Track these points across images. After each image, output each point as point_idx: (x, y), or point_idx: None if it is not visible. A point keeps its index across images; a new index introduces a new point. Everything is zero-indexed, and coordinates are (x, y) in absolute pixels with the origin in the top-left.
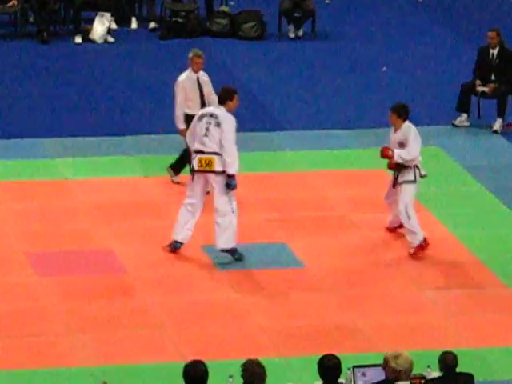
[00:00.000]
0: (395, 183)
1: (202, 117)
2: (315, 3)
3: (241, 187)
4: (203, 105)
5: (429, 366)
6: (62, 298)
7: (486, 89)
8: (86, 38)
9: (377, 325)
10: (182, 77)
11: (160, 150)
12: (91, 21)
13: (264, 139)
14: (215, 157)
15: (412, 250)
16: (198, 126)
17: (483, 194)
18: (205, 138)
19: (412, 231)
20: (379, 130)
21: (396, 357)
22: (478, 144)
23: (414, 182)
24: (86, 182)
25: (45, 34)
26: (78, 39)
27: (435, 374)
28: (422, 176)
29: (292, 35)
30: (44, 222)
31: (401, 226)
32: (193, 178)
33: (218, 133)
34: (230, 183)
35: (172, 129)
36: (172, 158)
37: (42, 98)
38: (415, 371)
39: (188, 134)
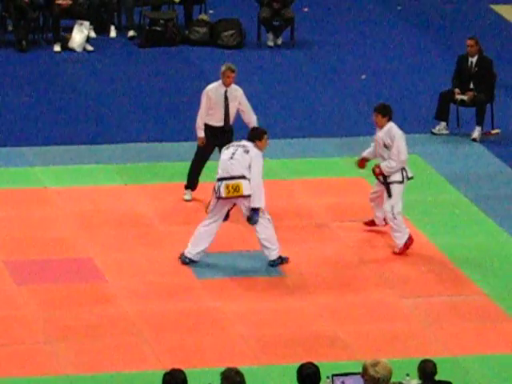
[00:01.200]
0: (382, 183)
1: (229, 147)
2: (294, 11)
3: None
4: (226, 119)
5: (408, 375)
6: (41, 306)
7: (464, 97)
8: (65, 47)
9: (356, 333)
10: (210, 87)
11: (139, 158)
12: (70, 29)
13: None
14: (242, 181)
15: (397, 250)
16: (224, 154)
17: (462, 202)
18: (231, 161)
19: (397, 230)
20: (358, 138)
21: (375, 364)
22: (457, 152)
23: (401, 182)
24: (65, 191)
25: (24, 43)
26: (57, 48)
27: (414, 382)
28: (409, 178)
29: (271, 43)
30: (23, 230)
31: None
32: (216, 204)
33: (246, 159)
34: (252, 217)
35: (152, 136)
36: (152, 166)
37: (21, 106)
38: (394, 379)
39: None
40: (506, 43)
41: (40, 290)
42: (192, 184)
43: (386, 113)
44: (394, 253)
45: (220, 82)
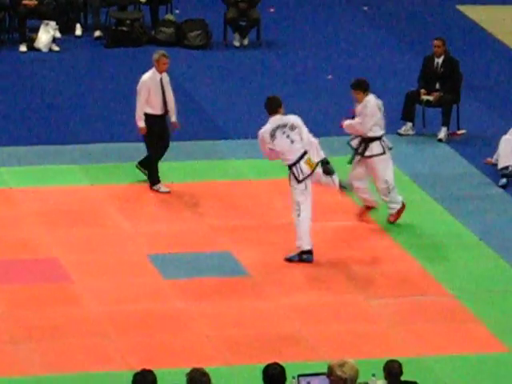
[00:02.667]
0: (358, 155)
1: (274, 131)
2: (260, 12)
3: (186, 196)
4: (165, 105)
5: (373, 375)
6: (7, 306)
7: (430, 98)
8: (31, 47)
9: (321, 333)
10: (146, 77)
11: (105, 158)
12: (36, 29)
13: (209, 148)
14: (308, 154)
15: (392, 218)
16: (277, 141)
17: (427, 202)
18: (294, 145)
19: (392, 202)
20: (324, 138)
21: (341, 365)
22: (423, 152)
23: (383, 154)
24: (30, 191)
25: None
26: (23, 48)
27: (380, 382)
28: (389, 148)
29: (237, 44)
30: None
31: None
32: (299, 188)
33: (298, 134)
34: (328, 168)
35: (118, 136)
36: (117, 166)
37: None
38: (360, 380)
39: (268, 151)
40: (471, 44)
41: (5, 291)
42: (157, 178)
43: (361, 86)
44: (389, 220)
45: (153, 70)
